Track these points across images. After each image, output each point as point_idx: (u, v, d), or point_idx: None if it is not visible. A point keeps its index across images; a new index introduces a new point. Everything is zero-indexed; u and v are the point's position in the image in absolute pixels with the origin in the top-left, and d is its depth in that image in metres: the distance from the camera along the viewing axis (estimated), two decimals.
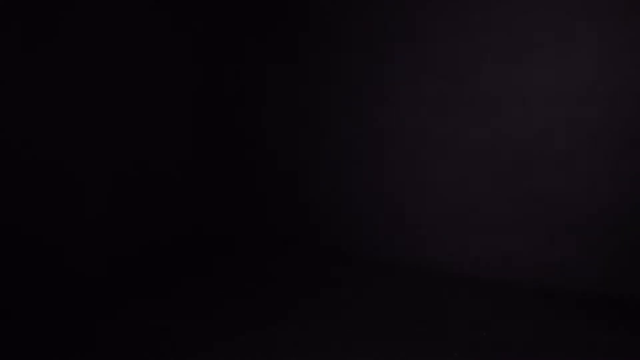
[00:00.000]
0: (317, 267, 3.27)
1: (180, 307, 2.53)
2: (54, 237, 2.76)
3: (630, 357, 1.70)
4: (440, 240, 3.28)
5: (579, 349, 2.04)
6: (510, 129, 2.99)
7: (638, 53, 2.59)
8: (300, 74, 3.71)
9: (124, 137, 3.17)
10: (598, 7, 2.63)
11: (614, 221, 2.68)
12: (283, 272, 3.14)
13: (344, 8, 3.50)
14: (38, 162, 2.64)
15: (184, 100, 3.69)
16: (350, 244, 3.60)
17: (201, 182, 3.92)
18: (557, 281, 2.88)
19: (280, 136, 3.84)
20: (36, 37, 2.60)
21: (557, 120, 2.85)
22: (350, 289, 2.88)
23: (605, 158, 2.68)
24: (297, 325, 2.36)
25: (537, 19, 2.87)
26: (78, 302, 2.56)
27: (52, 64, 2.70)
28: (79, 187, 2.89)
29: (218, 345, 2.12)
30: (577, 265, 2.81)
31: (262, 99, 3.88)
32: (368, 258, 3.51)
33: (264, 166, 3.93)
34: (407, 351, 2.12)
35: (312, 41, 3.64)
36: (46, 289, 2.71)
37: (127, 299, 2.61)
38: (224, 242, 3.82)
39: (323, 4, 3.57)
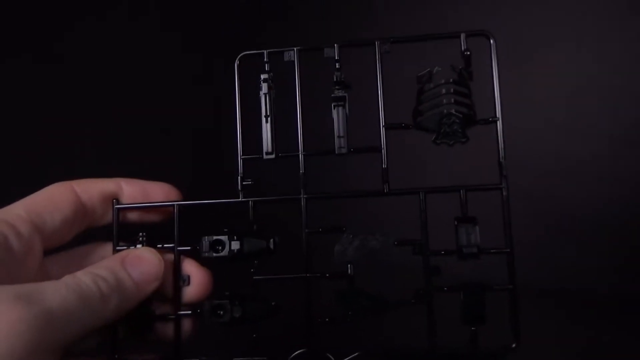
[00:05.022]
0: None
1: None
2: None
3: (631, 357, 1.69)
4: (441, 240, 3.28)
5: (578, 348, 2.03)
6: (510, 129, 2.98)
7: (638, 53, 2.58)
8: None
9: None
10: (599, 6, 2.62)
11: (615, 221, 2.67)
12: None
13: None
14: None
15: None
16: None
17: None
18: (557, 281, 2.87)
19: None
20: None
21: (558, 121, 2.84)
22: None
23: (606, 158, 2.67)
24: None
25: (537, 18, 2.86)
26: None
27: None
28: None
29: None
30: (577, 265, 2.79)
31: None
32: None
33: None
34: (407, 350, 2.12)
35: None
36: None
37: None
38: None
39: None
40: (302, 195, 0.38)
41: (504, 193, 0.36)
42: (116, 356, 0.37)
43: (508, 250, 0.35)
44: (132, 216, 0.40)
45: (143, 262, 0.35)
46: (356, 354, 0.36)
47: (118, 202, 0.39)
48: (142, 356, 0.39)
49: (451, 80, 0.35)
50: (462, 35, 0.36)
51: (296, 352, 0.36)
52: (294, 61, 0.39)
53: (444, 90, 0.35)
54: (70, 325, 0.29)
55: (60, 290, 0.29)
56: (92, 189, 0.38)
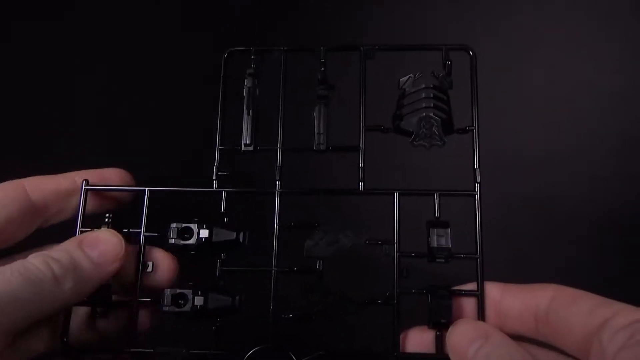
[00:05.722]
0: None
1: None
2: None
3: None
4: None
5: None
6: (509, 130, 3.04)
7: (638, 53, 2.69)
8: None
9: None
10: (599, 6, 2.75)
11: (615, 222, 2.69)
12: None
13: None
14: None
15: None
16: None
17: None
18: (557, 281, 2.85)
19: None
20: None
21: (557, 121, 2.90)
22: None
23: (606, 159, 2.71)
24: None
25: (537, 18, 2.99)
26: None
27: None
28: None
29: None
30: (577, 265, 2.79)
31: None
32: None
33: None
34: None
35: None
36: None
37: None
38: None
39: None
40: (276, 189, 0.38)
41: (477, 199, 0.36)
42: (65, 339, 0.35)
43: (477, 256, 0.35)
44: (91, 203, 0.39)
45: (102, 242, 0.34)
46: (318, 353, 0.35)
47: (88, 183, 0.38)
48: (93, 345, 0.37)
49: (432, 85, 0.36)
50: (444, 49, 0.38)
51: (255, 349, 0.35)
52: (280, 60, 0.40)
53: (424, 95, 0.36)
54: (17, 309, 0.28)
55: (4, 274, 0.28)
56: (43, 186, 0.37)
